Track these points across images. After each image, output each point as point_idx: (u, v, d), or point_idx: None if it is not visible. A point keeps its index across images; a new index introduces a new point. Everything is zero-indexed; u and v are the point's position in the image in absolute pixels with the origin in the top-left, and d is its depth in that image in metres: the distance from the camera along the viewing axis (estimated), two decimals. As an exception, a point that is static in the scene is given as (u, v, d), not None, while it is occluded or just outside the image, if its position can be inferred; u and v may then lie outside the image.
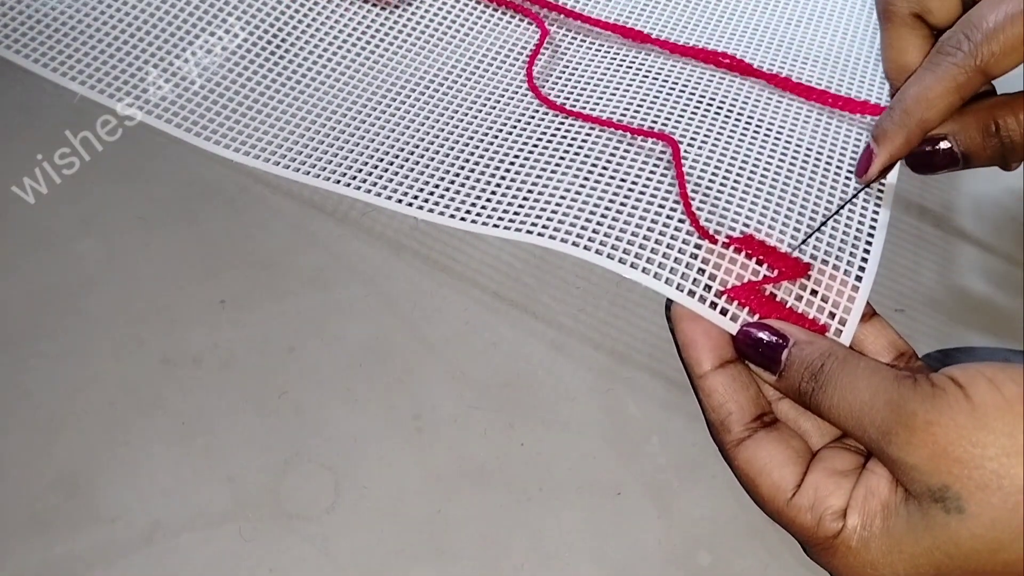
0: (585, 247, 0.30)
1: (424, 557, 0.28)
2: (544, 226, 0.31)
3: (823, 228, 0.31)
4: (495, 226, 0.32)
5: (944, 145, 0.30)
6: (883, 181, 0.33)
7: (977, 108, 0.30)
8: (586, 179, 0.33)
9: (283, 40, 0.39)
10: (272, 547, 0.28)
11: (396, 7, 0.40)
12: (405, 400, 0.31)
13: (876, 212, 0.32)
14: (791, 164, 0.34)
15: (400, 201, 0.34)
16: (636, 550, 0.28)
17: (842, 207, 0.32)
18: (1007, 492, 0.23)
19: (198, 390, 0.30)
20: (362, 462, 0.29)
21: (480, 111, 0.37)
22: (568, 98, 0.37)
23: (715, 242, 0.30)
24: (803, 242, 0.31)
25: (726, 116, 0.36)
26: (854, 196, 0.32)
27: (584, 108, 0.37)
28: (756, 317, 0.29)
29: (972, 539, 0.23)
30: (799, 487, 0.26)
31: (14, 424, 0.29)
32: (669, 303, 0.30)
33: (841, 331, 0.29)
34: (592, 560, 0.28)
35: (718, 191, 0.33)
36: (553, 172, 0.34)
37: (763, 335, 0.28)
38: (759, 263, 0.30)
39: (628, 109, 0.36)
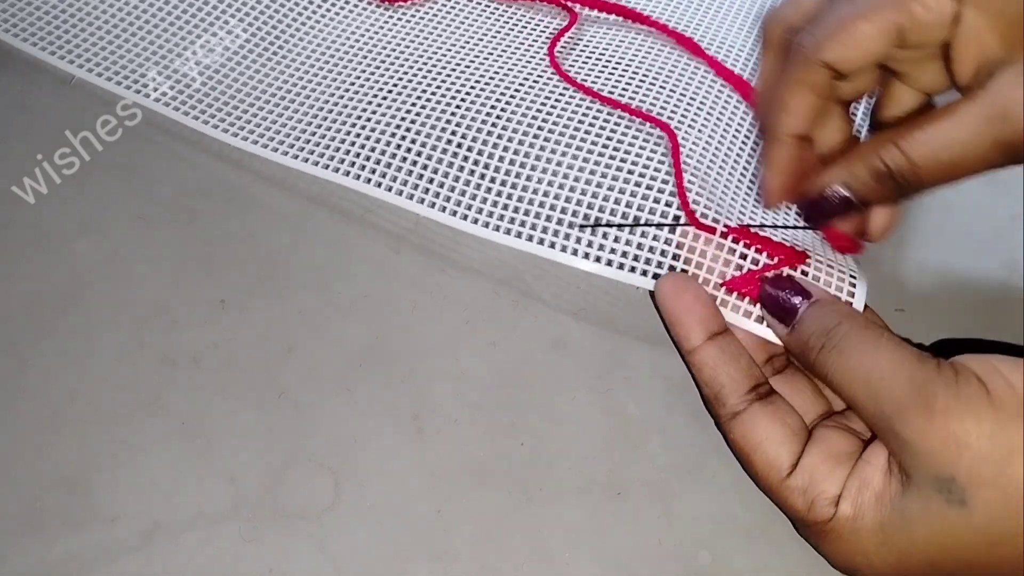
0: (585, 255, 0.31)
1: (424, 557, 0.28)
2: (544, 229, 0.32)
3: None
4: (496, 228, 0.32)
5: (834, 193, 0.29)
6: None
7: (865, 149, 0.28)
8: (581, 168, 0.33)
9: (287, 27, 0.39)
10: (272, 547, 0.28)
11: (401, 5, 0.40)
12: (405, 400, 0.31)
13: None
14: None
15: (371, 182, 0.34)
16: (636, 550, 0.28)
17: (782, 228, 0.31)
18: (1012, 493, 0.23)
19: (198, 390, 0.30)
20: (362, 462, 0.29)
21: (484, 104, 0.37)
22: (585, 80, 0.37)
23: (713, 232, 0.30)
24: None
25: (725, 105, 0.36)
26: (779, 227, 0.31)
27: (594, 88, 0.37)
28: (757, 306, 0.29)
29: (970, 533, 0.23)
30: (794, 467, 0.26)
31: (14, 424, 0.29)
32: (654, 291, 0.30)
33: None
34: (592, 560, 0.28)
35: (714, 182, 0.33)
36: (546, 168, 0.34)
37: (790, 288, 0.28)
38: (758, 251, 0.30)
39: (627, 90, 0.36)
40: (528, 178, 0.33)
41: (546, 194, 0.33)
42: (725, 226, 0.31)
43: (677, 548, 0.28)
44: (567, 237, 0.31)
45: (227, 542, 0.28)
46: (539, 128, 0.35)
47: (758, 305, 0.29)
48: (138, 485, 0.28)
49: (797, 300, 0.28)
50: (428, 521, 0.28)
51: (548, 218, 0.32)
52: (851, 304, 0.29)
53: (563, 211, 0.32)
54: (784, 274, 0.29)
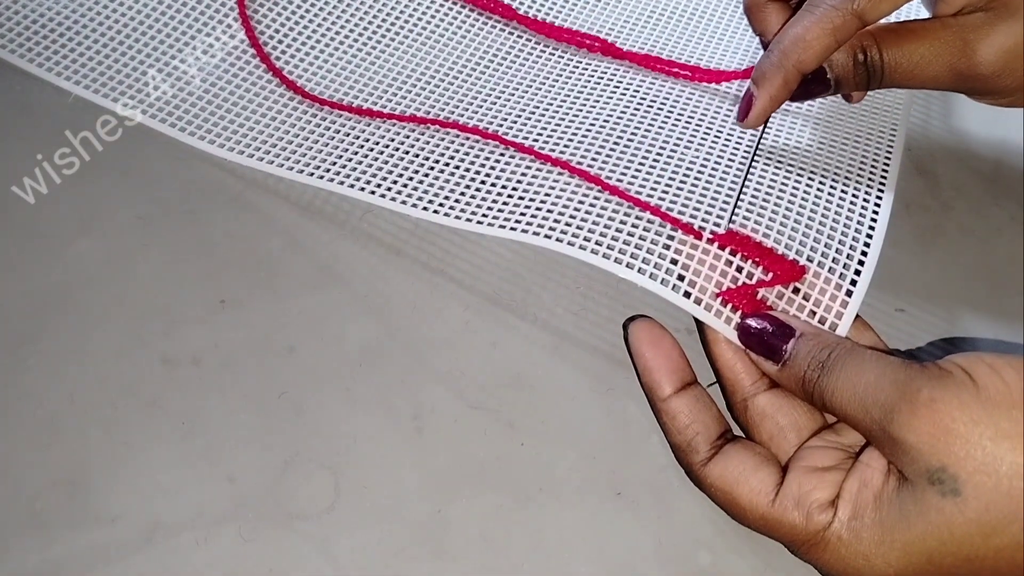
0: (569, 243, 0.30)
1: (424, 557, 0.28)
2: (528, 223, 0.32)
3: (741, 204, 0.32)
4: (490, 224, 0.32)
5: (820, 74, 0.31)
6: (881, 189, 0.33)
7: (851, 41, 0.31)
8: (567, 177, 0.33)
9: (280, 41, 0.39)
10: (272, 547, 0.28)
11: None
12: (405, 400, 0.31)
13: (875, 216, 0.32)
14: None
15: (373, 194, 0.34)
16: (636, 550, 0.28)
17: (749, 168, 0.33)
18: (1003, 476, 0.23)
19: (198, 390, 0.30)
20: (362, 462, 0.29)
21: (474, 107, 0.37)
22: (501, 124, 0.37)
23: (700, 237, 0.30)
24: (730, 218, 0.31)
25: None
26: (754, 156, 0.33)
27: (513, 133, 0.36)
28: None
29: (966, 523, 0.23)
30: (780, 487, 0.26)
31: (14, 424, 0.29)
32: (626, 332, 0.30)
33: None
34: (592, 560, 0.28)
35: (706, 187, 0.33)
36: (535, 170, 0.34)
37: (770, 326, 0.28)
38: (755, 265, 0.30)
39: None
40: (514, 188, 0.33)
41: (531, 200, 0.33)
42: (712, 233, 0.31)
43: (677, 548, 0.28)
44: (564, 231, 0.31)
45: (227, 542, 0.28)
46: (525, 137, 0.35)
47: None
48: (138, 485, 0.28)
49: (780, 340, 0.28)
50: (428, 521, 0.28)
51: (534, 216, 0.32)
52: (842, 316, 0.29)
53: (563, 208, 0.32)
54: (766, 302, 0.29)
